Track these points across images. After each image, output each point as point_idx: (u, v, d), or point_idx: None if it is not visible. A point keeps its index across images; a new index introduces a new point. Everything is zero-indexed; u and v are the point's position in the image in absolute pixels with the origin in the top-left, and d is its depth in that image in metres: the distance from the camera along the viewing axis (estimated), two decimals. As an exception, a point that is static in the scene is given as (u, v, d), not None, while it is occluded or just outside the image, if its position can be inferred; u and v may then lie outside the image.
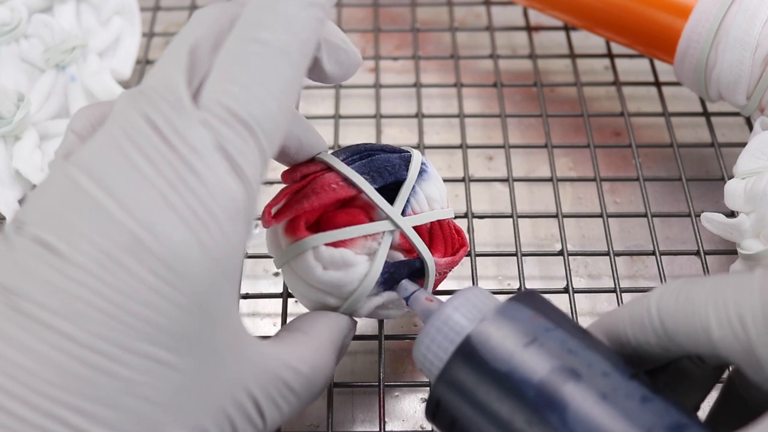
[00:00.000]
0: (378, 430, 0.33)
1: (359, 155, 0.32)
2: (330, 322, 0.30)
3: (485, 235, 0.42)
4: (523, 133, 0.47)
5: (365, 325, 0.37)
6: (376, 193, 0.31)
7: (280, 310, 0.37)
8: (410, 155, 0.33)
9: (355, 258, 0.30)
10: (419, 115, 0.45)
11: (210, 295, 0.21)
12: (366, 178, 0.31)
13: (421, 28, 0.51)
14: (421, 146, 0.43)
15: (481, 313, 0.26)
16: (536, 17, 0.51)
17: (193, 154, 0.20)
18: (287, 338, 0.28)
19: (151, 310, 0.20)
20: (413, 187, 0.32)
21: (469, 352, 0.25)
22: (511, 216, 0.40)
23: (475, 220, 0.40)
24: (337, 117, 0.45)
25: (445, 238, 0.33)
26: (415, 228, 0.31)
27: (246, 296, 0.38)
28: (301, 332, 0.29)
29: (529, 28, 0.50)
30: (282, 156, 0.31)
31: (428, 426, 0.35)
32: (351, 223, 0.30)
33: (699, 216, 0.38)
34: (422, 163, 0.33)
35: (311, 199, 0.30)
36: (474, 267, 0.38)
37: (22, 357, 0.20)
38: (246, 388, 0.24)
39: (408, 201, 0.31)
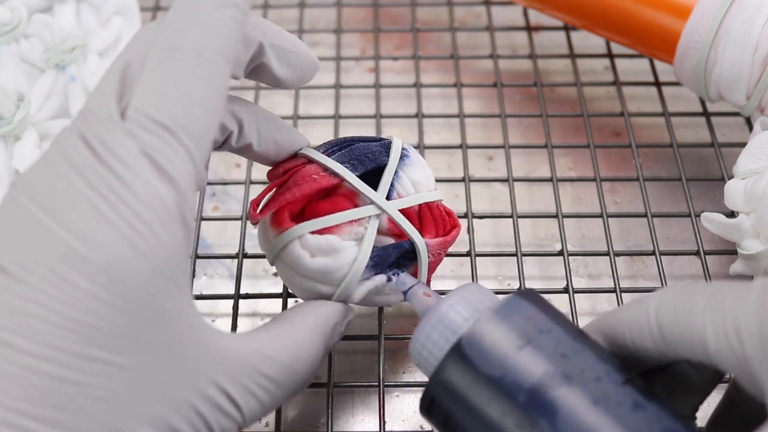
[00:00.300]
0: (378, 430, 0.33)
1: (339, 146, 0.32)
2: (315, 308, 0.30)
3: (485, 235, 0.42)
4: (523, 133, 0.47)
5: (365, 326, 0.37)
6: (358, 179, 0.31)
7: (280, 310, 0.37)
8: (390, 142, 0.33)
9: (341, 243, 0.30)
10: (419, 115, 0.45)
11: (150, 295, 0.22)
12: (347, 167, 0.31)
13: (421, 28, 0.51)
14: (421, 146, 0.43)
15: (478, 311, 0.26)
16: (536, 17, 0.51)
17: (120, 164, 0.22)
18: (266, 329, 0.28)
19: (93, 316, 0.21)
20: (396, 172, 0.32)
21: (462, 353, 0.25)
22: (511, 216, 0.40)
23: (475, 220, 0.40)
24: (337, 117, 0.45)
25: (435, 219, 0.33)
26: (404, 211, 0.32)
27: (246, 296, 0.38)
28: (283, 321, 0.29)
29: (529, 28, 0.50)
30: (263, 159, 0.31)
31: (428, 426, 0.35)
32: (335, 210, 0.31)
33: (699, 216, 0.38)
34: (403, 149, 0.33)
35: (293, 191, 0.31)
36: (474, 267, 0.38)
37: None
38: (213, 381, 0.24)
39: (392, 186, 0.32)
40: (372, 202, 0.31)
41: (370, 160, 0.32)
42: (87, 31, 0.44)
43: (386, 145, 0.33)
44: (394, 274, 0.31)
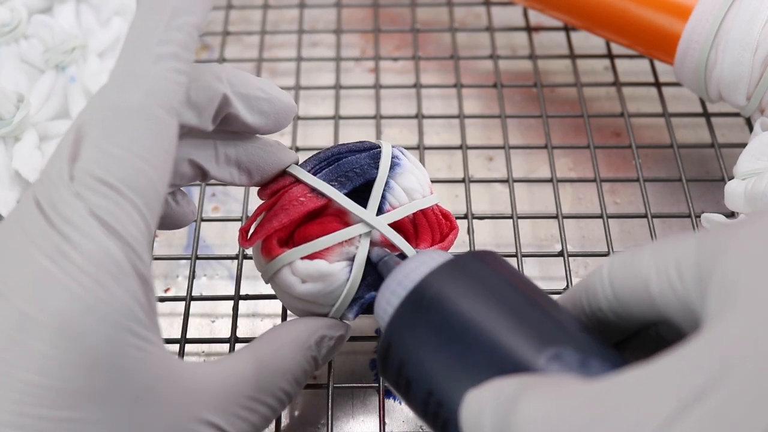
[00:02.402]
0: (378, 430, 0.33)
1: (327, 161, 0.32)
2: (297, 323, 0.30)
3: (485, 235, 0.42)
4: (523, 134, 0.47)
5: (365, 326, 0.37)
6: (345, 198, 0.31)
7: (279, 310, 0.37)
8: (379, 151, 0.32)
9: (330, 268, 0.30)
10: (419, 116, 0.45)
11: (107, 348, 0.22)
12: (334, 185, 0.31)
13: (421, 28, 0.51)
14: (421, 146, 0.43)
15: (428, 267, 0.27)
16: (536, 17, 0.51)
17: (68, 226, 0.22)
18: (246, 349, 0.29)
19: (51, 377, 0.22)
20: (388, 182, 0.32)
21: (414, 300, 0.26)
22: (511, 217, 0.40)
23: (475, 221, 0.40)
24: (337, 118, 0.45)
25: (431, 225, 0.32)
26: (398, 222, 0.31)
27: (246, 297, 0.38)
28: (264, 339, 0.29)
29: (529, 29, 0.50)
30: (249, 182, 0.31)
31: (427, 428, 0.35)
32: (324, 232, 0.30)
33: (699, 217, 0.38)
34: (394, 157, 0.32)
35: (280, 217, 0.31)
36: (474, 268, 0.38)
37: None
38: (198, 418, 0.24)
39: (384, 197, 0.31)
40: (361, 220, 0.31)
41: (358, 175, 0.31)
42: (87, 32, 0.44)
43: (376, 155, 0.32)
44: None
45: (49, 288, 0.22)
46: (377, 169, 0.32)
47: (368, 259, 0.31)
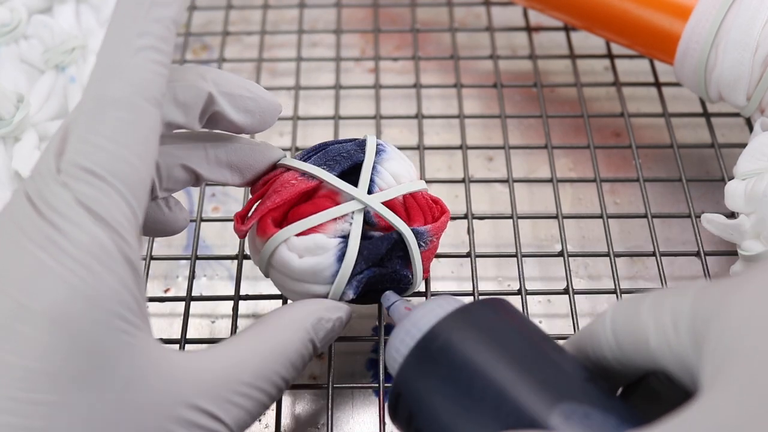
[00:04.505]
0: (378, 430, 0.33)
1: (314, 151, 0.33)
2: (294, 306, 0.30)
3: (485, 235, 0.42)
4: (523, 134, 0.47)
5: (364, 326, 0.37)
6: (336, 178, 0.32)
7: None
8: (365, 140, 0.33)
9: (327, 240, 0.30)
10: (419, 116, 0.45)
11: (97, 333, 0.23)
12: (324, 168, 0.32)
13: (421, 28, 0.51)
14: (421, 146, 0.43)
15: (436, 316, 0.27)
16: (536, 18, 0.51)
17: (56, 215, 0.23)
18: (241, 335, 0.28)
19: (42, 362, 0.22)
20: (375, 167, 0.32)
21: (424, 349, 0.26)
22: (511, 217, 0.40)
23: (475, 221, 0.40)
24: (336, 118, 0.45)
25: (422, 208, 0.33)
26: (388, 204, 0.32)
27: (246, 297, 0.38)
28: (260, 323, 0.29)
29: (529, 29, 0.50)
30: (241, 181, 0.32)
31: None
32: (317, 211, 0.31)
33: (699, 217, 0.38)
34: (379, 144, 0.33)
35: (273, 198, 0.31)
36: (474, 268, 0.38)
37: None
38: (188, 403, 0.24)
39: (372, 180, 0.32)
40: (353, 198, 0.31)
41: (345, 158, 0.32)
42: (87, 32, 0.44)
43: (361, 144, 0.33)
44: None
45: (42, 277, 0.22)
46: (364, 153, 0.33)
47: (363, 236, 0.31)
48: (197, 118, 0.28)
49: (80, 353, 0.22)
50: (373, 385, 0.35)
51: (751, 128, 0.43)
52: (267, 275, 0.33)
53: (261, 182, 0.32)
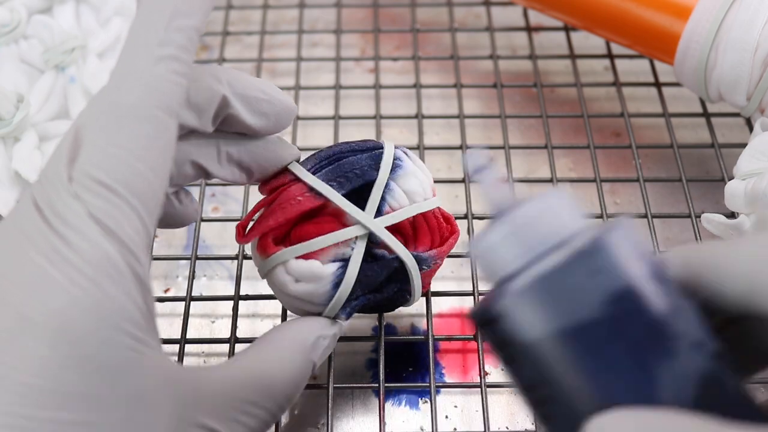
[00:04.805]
0: (378, 430, 0.33)
1: (327, 160, 0.32)
2: (293, 326, 0.30)
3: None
4: (523, 134, 0.47)
5: (363, 326, 0.37)
6: (343, 199, 0.31)
7: (279, 311, 0.37)
8: (381, 152, 0.32)
9: (323, 269, 0.30)
10: (419, 116, 0.45)
11: (104, 350, 0.22)
12: (332, 185, 0.31)
13: (421, 28, 0.51)
14: (421, 146, 0.43)
15: (572, 230, 0.22)
16: (536, 17, 0.51)
17: (66, 227, 0.22)
18: (244, 354, 0.29)
19: (48, 379, 0.21)
20: (388, 184, 0.31)
21: (555, 282, 0.21)
22: (511, 217, 0.40)
23: (475, 221, 0.40)
24: (336, 118, 0.45)
25: (431, 229, 0.32)
26: (397, 224, 0.31)
27: (246, 297, 0.38)
28: (261, 342, 0.29)
29: (529, 29, 0.50)
30: (250, 180, 0.31)
31: (428, 427, 0.35)
32: (320, 233, 0.30)
33: (699, 217, 0.38)
34: (396, 158, 0.32)
35: (277, 215, 0.31)
36: (474, 268, 0.38)
37: None
38: (194, 421, 0.24)
39: (384, 199, 0.31)
40: (358, 222, 0.31)
41: (357, 176, 0.31)
42: (86, 32, 0.44)
43: (377, 156, 0.32)
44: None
45: (47, 289, 0.22)
46: (378, 170, 0.31)
47: (363, 259, 0.31)
48: (210, 120, 0.28)
49: (84, 368, 0.22)
50: (373, 385, 0.35)
51: (751, 128, 0.43)
52: (264, 278, 0.33)
53: (268, 188, 0.31)
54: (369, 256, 0.31)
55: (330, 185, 0.31)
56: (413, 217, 0.32)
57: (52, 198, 0.23)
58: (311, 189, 0.31)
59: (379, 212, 0.31)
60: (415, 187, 0.32)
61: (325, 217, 0.31)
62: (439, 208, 0.33)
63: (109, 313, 0.22)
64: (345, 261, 0.31)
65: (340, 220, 0.31)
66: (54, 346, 0.21)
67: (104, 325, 0.22)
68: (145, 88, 0.24)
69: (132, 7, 0.46)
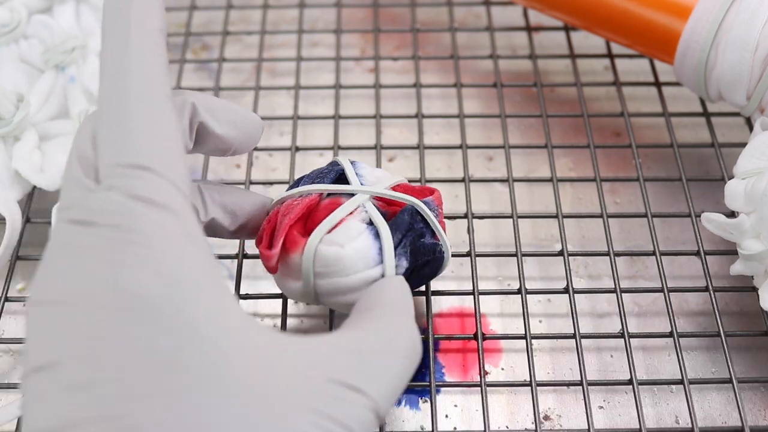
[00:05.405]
0: (378, 430, 0.33)
1: (296, 182, 0.34)
2: (384, 283, 0.30)
3: (485, 235, 0.42)
4: (523, 134, 0.47)
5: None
6: (333, 184, 0.33)
7: (280, 310, 0.37)
8: (334, 161, 0.35)
9: (357, 224, 0.31)
10: (419, 116, 0.45)
11: (177, 310, 0.22)
12: (316, 183, 0.33)
13: (421, 28, 0.51)
14: (421, 146, 0.43)
15: None
16: (536, 17, 0.51)
17: (107, 216, 0.23)
18: (353, 319, 0.28)
19: (145, 351, 0.21)
20: (356, 173, 0.33)
21: None
22: (511, 216, 0.40)
23: (475, 221, 0.40)
24: (336, 117, 0.45)
25: (415, 190, 0.34)
26: (382, 199, 0.33)
27: (246, 296, 0.38)
28: (365, 307, 0.28)
29: (529, 29, 0.50)
30: (235, 224, 0.32)
31: (428, 426, 0.35)
32: (332, 210, 0.32)
33: (699, 216, 0.38)
34: (350, 161, 0.34)
35: (286, 219, 0.31)
36: (474, 267, 0.38)
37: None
38: (325, 377, 0.23)
39: (361, 177, 0.33)
40: (357, 192, 0.32)
41: (329, 171, 0.33)
42: (86, 32, 0.44)
43: (333, 163, 0.34)
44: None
45: (129, 273, 0.22)
46: (339, 165, 0.34)
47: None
48: (187, 131, 0.29)
49: (172, 336, 0.21)
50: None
51: (751, 128, 0.43)
52: (316, 299, 0.32)
53: (265, 221, 0.33)
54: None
55: (315, 184, 0.33)
56: (391, 188, 0.33)
57: (85, 205, 0.23)
58: (301, 195, 0.32)
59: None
60: (378, 173, 0.34)
61: (326, 205, 0.32)
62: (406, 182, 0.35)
63: (173, 276, 0.22)
64: (368, 224, 0.32)
65: (339, 203, 0.32)
66: (148, 322, 0.21)
67: (170, 288, 0.22)
68: (137, 77, 0.25)
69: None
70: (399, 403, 0.36)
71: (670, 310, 0.37)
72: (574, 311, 0.36)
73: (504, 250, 0.40)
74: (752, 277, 0.36)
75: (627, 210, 0.43)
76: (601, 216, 0.40)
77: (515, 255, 0.38)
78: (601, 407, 0.36)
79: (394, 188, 0.33)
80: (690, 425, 0.33)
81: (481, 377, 0.34)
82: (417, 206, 0.32)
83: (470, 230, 0.39)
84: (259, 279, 0.40)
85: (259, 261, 0.40)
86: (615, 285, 0.37)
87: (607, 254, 0.39)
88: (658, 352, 0.38)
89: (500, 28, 0.50)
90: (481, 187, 0.44)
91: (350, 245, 0.30)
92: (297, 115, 0.45)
